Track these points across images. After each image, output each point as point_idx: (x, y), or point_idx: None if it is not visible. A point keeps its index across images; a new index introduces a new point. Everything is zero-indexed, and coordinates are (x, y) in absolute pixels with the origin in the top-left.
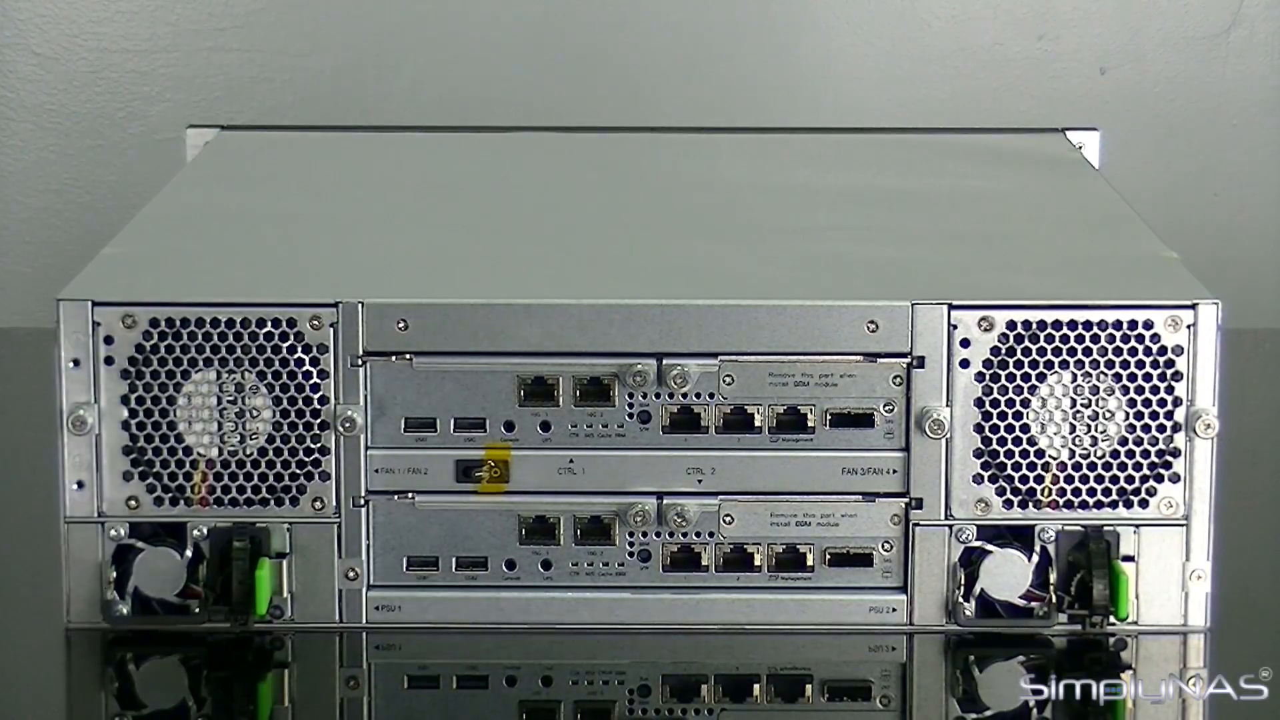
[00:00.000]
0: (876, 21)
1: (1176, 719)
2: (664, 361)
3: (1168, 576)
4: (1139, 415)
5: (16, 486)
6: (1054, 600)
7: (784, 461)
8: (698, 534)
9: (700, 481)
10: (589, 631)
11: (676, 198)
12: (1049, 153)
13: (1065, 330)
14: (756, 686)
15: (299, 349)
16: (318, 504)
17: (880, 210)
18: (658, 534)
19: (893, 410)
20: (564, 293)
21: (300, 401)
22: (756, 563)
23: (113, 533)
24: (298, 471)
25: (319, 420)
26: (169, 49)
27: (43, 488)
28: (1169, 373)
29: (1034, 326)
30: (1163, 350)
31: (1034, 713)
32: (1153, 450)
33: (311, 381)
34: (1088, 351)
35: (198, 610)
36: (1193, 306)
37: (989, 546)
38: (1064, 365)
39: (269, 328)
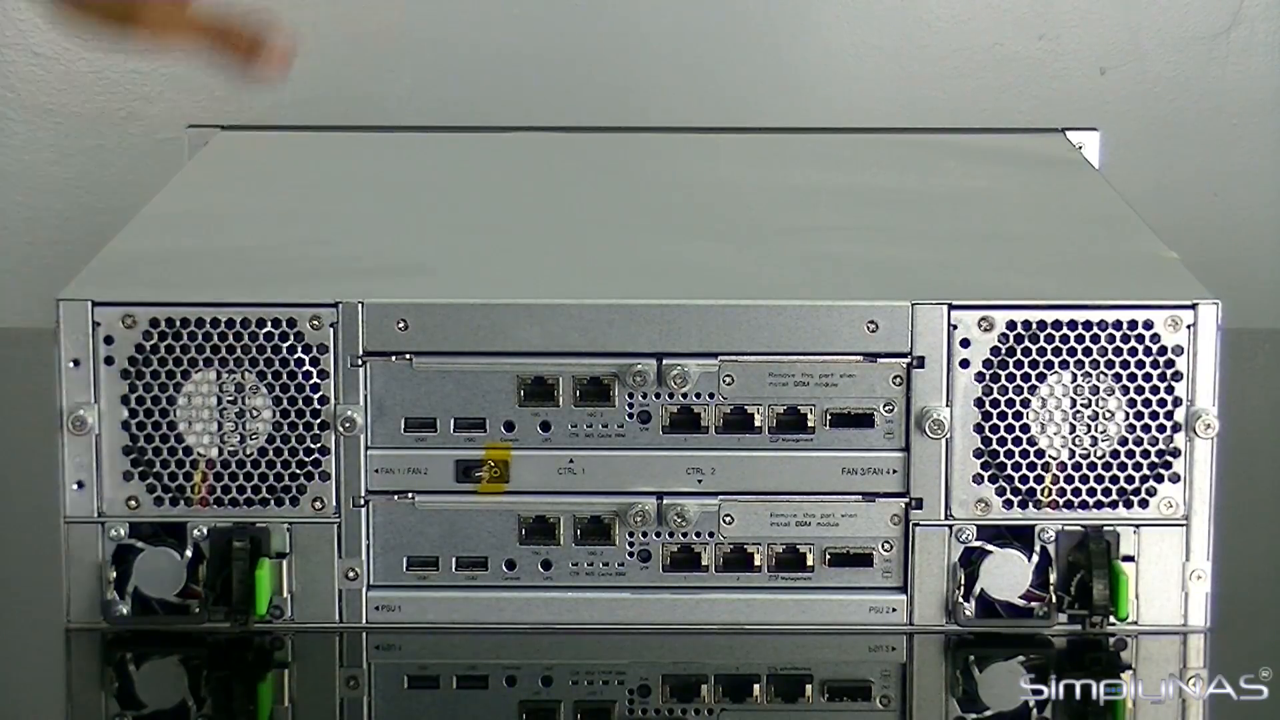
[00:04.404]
0: (876, 21)
1: (1176, 719)
2: (664, 361)
3: (1168, 576)
4: (1139, 415)
5: (16, 486)
6: (1054, 600)
7: (784, 461)
8: (698, 534)
9: (700, 481)
10: (589, 631)
11: (676, 198)
12: (1049, 153)
13: (1065, 330)
14: (756, 686)
15: (299, 349)
16: (318, 504)
17: (880, 210)
18: (658, 534)
19: (893, 410)
20: (564, 293)
21: (300, 401)
22: (756, 563)
23: (113, 533)
24: (298, 471)
25: (319, 420)
26: (169, 49)
27: (43, 488)
28: (1169, 373)
29: (1034, 326)
30: (1163, 350)
31: (1034, 713)
32: (1153, 450)
33: (311, 381)
34: (1088, 351)
35: (198, 610)
36: (1193, 306)
37: (989, 546)
38: (1064, 365)
39: (269, 328)
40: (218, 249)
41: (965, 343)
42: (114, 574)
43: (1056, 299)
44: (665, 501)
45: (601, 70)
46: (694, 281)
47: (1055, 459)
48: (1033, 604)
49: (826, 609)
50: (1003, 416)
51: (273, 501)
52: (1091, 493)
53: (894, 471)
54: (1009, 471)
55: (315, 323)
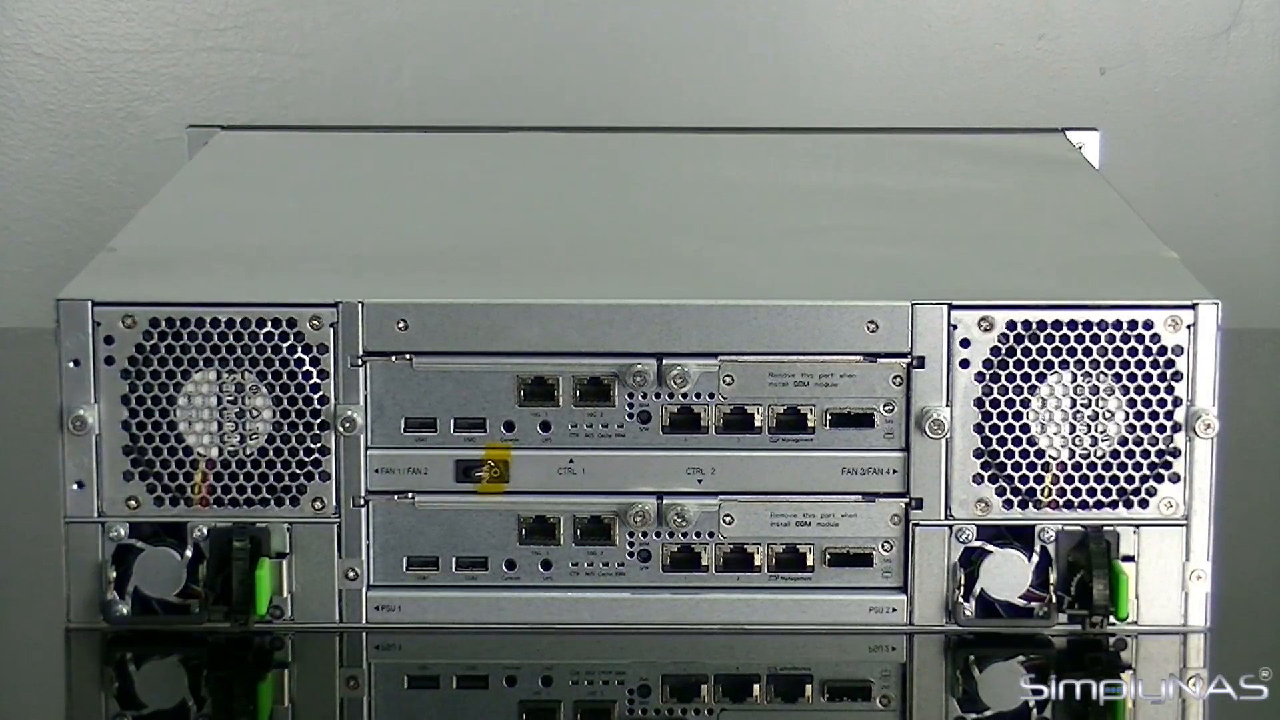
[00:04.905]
0: (876, 21)
1: (1176, 719)
2: (664, 361)
3: (1168, 576)
4: (1139, 415)
5: (16, 486)
6: (1054, 600)
7: (784, 461)
8: (698, 534)
9: (700, 481)
10: (589, 631)
11: (676, 198)
12: (1049, 153)
13: (1065, 330)
14: (756, 686)
15: (299, 349)
16: (318, 504)
17: (880, 210)
18: (658, 534)
19: (893, 410)
20: (564, 293)
21: (300, 401)
22: (756, 563)
23: (113, 533)
24: (298, 471)
25: (319, 420)
26: (169, 49)
27: (43, 488)
28: (1169, 373)
29: (1034, 326)
30: (1163, 350)
31: (1034, 713)
32: (1153, 450)
33: (311, 381)
34: (1088, 351)
35: (198, 610)
36: (1193, 306)
37: (989, 546)
38: (1064, 365)
39: (269, 328)
40: (218, 249)
41: (965, 343)
42: (114, 574)
43: (1056, 299)
44: (665, 501)
45: (601, 70)
46: (694, 281)
47: (1055, 459)
48: (1033, 604)
49: (826, 609)
50: (1003, 416)
51: (273, 501)
52: (1091, 493)
53: (894, 471)
54: (1009, 471)
55: (315, 323)
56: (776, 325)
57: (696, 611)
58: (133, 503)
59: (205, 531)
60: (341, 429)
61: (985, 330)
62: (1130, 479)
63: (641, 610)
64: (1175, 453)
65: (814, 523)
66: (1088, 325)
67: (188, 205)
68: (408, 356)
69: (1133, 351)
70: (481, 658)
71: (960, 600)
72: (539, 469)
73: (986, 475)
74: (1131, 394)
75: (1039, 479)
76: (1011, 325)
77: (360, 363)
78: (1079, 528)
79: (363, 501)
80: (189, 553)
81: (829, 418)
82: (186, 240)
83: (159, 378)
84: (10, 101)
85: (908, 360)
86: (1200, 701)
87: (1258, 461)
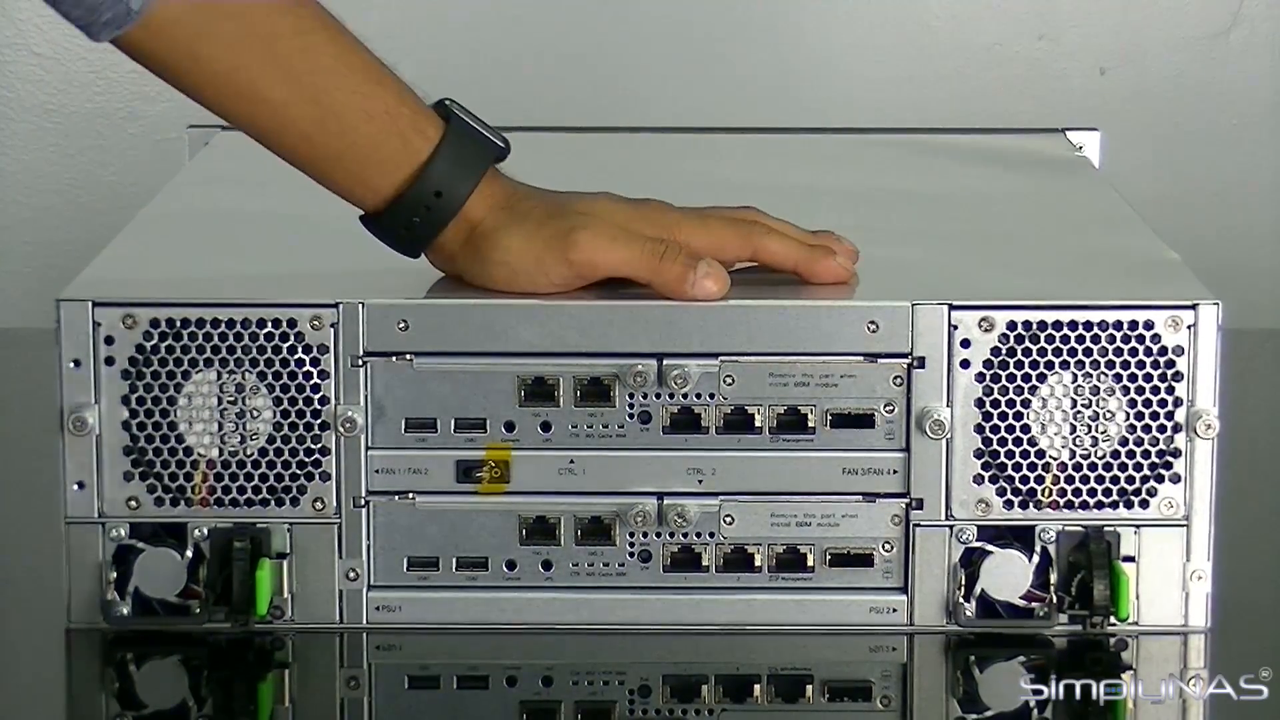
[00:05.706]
0: (876, 21)
1: (1176, 719)
2: (664, 362)
3: (1168, 577)
4: (1139, 415)
5: (16, 486)
6: (1054, 600)
7: (784, 462)
8: (698, 534)
9: (700, 482)
10: (589, 631)
11: (677, 198)
12: (1049, 153)
13: (1065, 330)
14: (756, 686)
15: (299, 349)
16: (318, 504)
17: (880, 210)
18: (658, 534)
19: (893, 410)
20: (564, 293)
21: (300, 402)
22: (757, 563)
23: (113, 533)
24: (298, 472)
25: (319, 420)
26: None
27: (43, 488)
28: (1169, 373)
29: (1034, 326)
30: (1163, 350)
31: (1034, 713)
32: (1153, 450)
33: (312, 382)
34: (1088, 352)
35: (198, 611)
36: (1193, 307)
37: (989, 547)
38: (1064, 365)
39: (269, 328)
40: (218, 249)
41: (965, 343)
42: (114, 574)
43: (1056, 299)
44: (665, 502)
45: (602, 70)
46: None
47: (1056, 459)
48: (1033, 604)
49: (827, 609)
50: (1003, 417)
51: (273, 502)
52: (1092, 493)
53: (894, 472)
54: (1009, 472)
55: (316, 323)
56: (777, 325)
57: (697, 612)
58: (133, 503)
59: (205, 532)
60: (342, 429)
61: (985, 330)
62: (1131, 479)
63: (641, 610)
64: (1176, 453)
65: (814, 523)
66: (1088, 325)
67: (188, 205)
68: (408, 356)
69: (1133, 352)
70: (482, 658)
71: (961, 600)
72: (539, 469)
73: (987, 475)
74: (1132, 394)
75: (1039, 479)
76: (1012, 325)
77: (361, 363)
78: (1079, 528)
79: (363, 502)
80: (189, 553)
81: (829, 418)
82: (186, 240)
83: (159, 378)
84: (10, 101)
85: (908, 360)
86: (1200, 701)
87: (1258, 461)
